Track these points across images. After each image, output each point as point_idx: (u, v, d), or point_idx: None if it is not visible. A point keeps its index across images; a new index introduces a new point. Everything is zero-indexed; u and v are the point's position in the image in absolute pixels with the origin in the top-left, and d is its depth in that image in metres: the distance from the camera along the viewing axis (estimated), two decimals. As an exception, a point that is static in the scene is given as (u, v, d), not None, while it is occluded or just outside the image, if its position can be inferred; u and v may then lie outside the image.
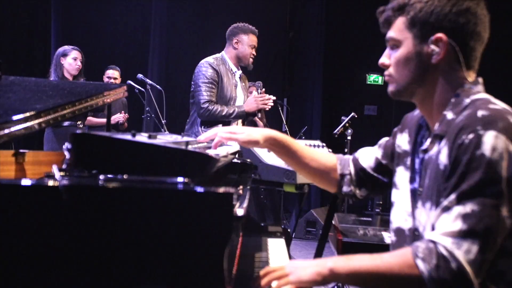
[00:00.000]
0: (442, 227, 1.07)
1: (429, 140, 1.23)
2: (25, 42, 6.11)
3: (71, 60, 4.09)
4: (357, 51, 6.91)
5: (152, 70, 6.40)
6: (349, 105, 6.27)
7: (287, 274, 1.14)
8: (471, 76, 1.21)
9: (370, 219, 3.85)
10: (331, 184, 1.50)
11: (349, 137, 4.25)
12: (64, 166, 1.07)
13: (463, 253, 1.03)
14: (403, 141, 1.37)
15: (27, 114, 1.17)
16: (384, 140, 1.49)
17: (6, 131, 1.09)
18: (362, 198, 1.50)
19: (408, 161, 1.32)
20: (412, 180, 1.30)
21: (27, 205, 0.92)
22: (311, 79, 7.20)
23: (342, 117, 4.30)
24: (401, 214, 1.31)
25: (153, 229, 0.93)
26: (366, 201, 5.94)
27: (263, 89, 3.52)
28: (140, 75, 4.77)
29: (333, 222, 2.90)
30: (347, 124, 4.18)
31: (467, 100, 1.16)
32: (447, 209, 1.07)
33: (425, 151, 1.24)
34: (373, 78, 7.08)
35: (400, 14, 1.21)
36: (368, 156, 1.48)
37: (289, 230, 3.66)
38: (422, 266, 1.05)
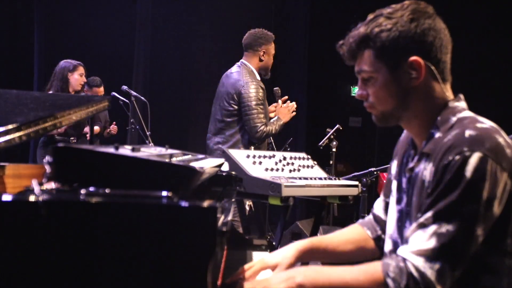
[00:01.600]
0: (416, 245, 1.08)
1: (416, 158, 1.24)
2: (7, 55, 6.03)
3: (77, 76, 4.10)
4: (341, 62, 6.93)
5: (137, 82, 6.37)
6: (334, 117, 6.30)
7: None
8: (448, 90, 1.22)
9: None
10: (374, 252, 1.46)
11: (334, 149, 4.27)
12: (44, 180, 1.05)
13: (435, 272, 1.05)
14: (393, 168, 1.39)
15: (8, 127, 1.14)
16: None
17: (-15, 144, 1.07)
18: None
19: (396, 183, 1.33)
20: (399, 201, 1.30)
21: (3, 221, 0.90)
22: (295, 90, 7.24)
23: (327, 129, 4.32)
24: (386, 239, 1.34)
25: (136, 244, 0.91)
26: (351, 214, 5.96)
27: (285, 97, 3.44)
28: (124, 87, 4.74)
29: (318, 234, 2.90)
30: (332, 136, 4.20)
31: (454, 118, 1.18)
32: (423, 226, 1.09)
33: (411, 169, 1.25)
34: (359, 93, 7.12)
35: (366, 46, 1.20)
36: (379, 204, 1.48)
37: (274, 242, 3.65)
38: (391, 285, 1.07)
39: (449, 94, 1.23)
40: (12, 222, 0.91)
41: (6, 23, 5.96)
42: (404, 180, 1.29)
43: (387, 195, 1.42)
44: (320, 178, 2.53)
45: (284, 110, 3.36)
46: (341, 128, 4.14)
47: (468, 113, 1.20)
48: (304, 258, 1.38)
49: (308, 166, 2.68)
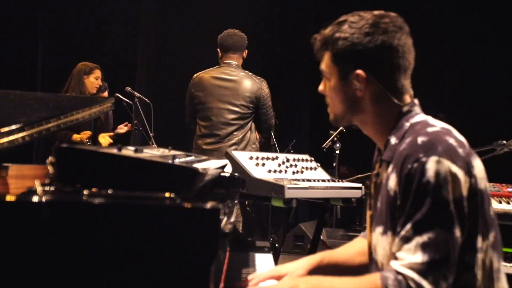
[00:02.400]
0: (405, 259, 1.11)
1: (377, 165, 1.29)
2: (11, 55, 6.05)
3: (93, 79, 4.11)
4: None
5: (140, 83, 6.38)
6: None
7: None
8: (404, 100, 1.24)
9: (358, 234, 3.85)
10: None
11: (337, 151, 4.27)
12: (47, 181, 1.04)
13: (430, 283, 1.08)
14: None
15: (11, 127, 1.14)
16: None
17: (-11, 144, 1.07)
18: None
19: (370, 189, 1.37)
20: (370, 206, 1.34)
21: (5, 222, 0.90)
22: (299, 93, 7.24)
23: (331, 131, 4.31)
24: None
25: (138, 245, 0.91)
26: (354, 216, 5.94)
27: None
28: (128, 88, 4.74)
29: (321, 237, 2.89)
30: (335, 138, 4.20)
31: (407, 124, 1.21)
32: (406, 239, 1.12)
33: (378, 175, 1.29)
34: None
35: (326, 48, 1.26)
36: None
37: (276, 245, 3.64)
38: None
39: (405, 102, 1.24)
40: (15, 223, 0.90)
41: (10, 23, 5.98)
42: (372, 186, 1.33)
43: None
44: (323, 180, 2.52)
45: None
46: (344, 130, 4.13)
47: (420, 117, 1.22)
48: (316, 272, 1.39)
49: (311, 168, 2.67)
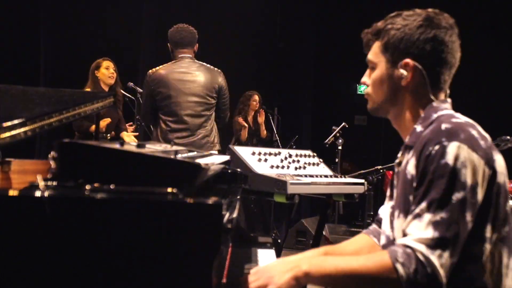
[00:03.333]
0: (416, 234, 1.13)
1: (400, 153, 1.33)
2: (14, 51, 6.05)
3: (104, 70, 4.14)
4: (347, 61, 6.94)
5: (143, 79, 6.38)
6: (340, 115, 6.28)
7: (265, 284, 1.16)
8: (438, 96, 1.29)
9: (361, 230, 3.85)
10: None
11: (339, 147, 4.27)
12: (49, 176, 1.04)
13: (437, 258, 1.10)
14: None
15: (14, 122, 1.14)
16: None
17: (-9, 139, 1.06)
18: None
19: (390, 182, 1.40)
20: (391, 197, 1.37)
21: (8, 217, 0.90)
22: (301, 88, 7.22)
23: (333, 127, 4.31)
24: (382, 236, 1.40)
25: (140, 240, 0.91)
26: (356, 212, 5.94)
27: None
28: (130, 84, 4.74)
29: (323, 232, 2.89)
30: (337, 134, 4.19)
31: (434, 115, 1.26)
32: (418, 216, 1.14)
33: (399, 163, 1.32)
34: (363, 88, 7.10)
35: (377, 38, 1.32)
36: (384, 208, 1.48)
37: (279, 240, 3.64)
38: (401, 270, 1.10)
39: (439, 98, 1.29)
40: (17, 218, 0.90)
41: (13, 19, 5.98)
42: (395, 176, 1.36)
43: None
44: (326, 176, 2.52)
45: None
46: (346, 126, 4.13)
47: (448, 111, 1.27)
48: None
49: (313, 164, 2.66)
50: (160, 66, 3.47)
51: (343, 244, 1.50)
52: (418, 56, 1.26)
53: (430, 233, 1.11)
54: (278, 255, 1.98)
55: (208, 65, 3.48)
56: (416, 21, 1.26)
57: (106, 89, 4.16)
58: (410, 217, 1.16)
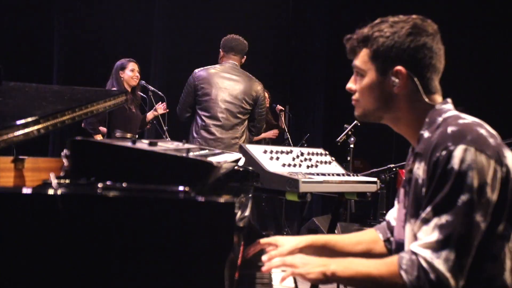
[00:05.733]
0: (423, 239, 1.16)
1: (411, 160, 1.33)
2: (27, 49, 6.11)
3: (129, 72, 4.24)
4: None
5: (154, 77, 6.40)
6: (352, 113, 6.23)
7: (297, 266, 1.25)
8: (433, 99, 1.30)
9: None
10: (382, 255, 1.50)
11: (351, 145, 4.23)
12: (62, 174, 1.05)
13: (443, 261, 1.12)
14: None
15: (27, 120, 1.15)
16: None
17: (5, 137, 1.07)
18: None
19: (403, 190, 1.40)
20: (404, 205, 1.37)
21: (22, 214, 0.90)
22: (313, 86, 7.19)
23: (345, 125, 4.28)
24: (393, 242, 1.45)
25: (153, 238, 0.91)
26: (368, 210, 5.90)
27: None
28: (142, 82, 4.76)
29: (335, 231, 2.87)
30: (349, 132, 4.16)
31: (440, 119, 1.26)
32: (425, 221, 1.17)
33: (410, 171, 1.33)
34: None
35: (365, 45, 1.31)
36: (392, 211, 1.54)
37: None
38: (405, 276, 1.15)
39: (437, 101, 1.30)
40: (30, 215, 0.91)
41: (26, 17, 6.03)
42: (406, 183, 1.36)
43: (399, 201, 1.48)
44: (338, 174, 2.50)
45: None
46: (358, 124, 4.09)
47: (453, 113, 1.27)
48: (310, 251, 1.44)
49: (325, 162, 2.65)
50: (208, 67, 3.69)
51: (346, 235, 1.56)
52: (409, 63, 1.26)
53: (436, 236, 1.13)
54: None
55: (250, 75, 3.68)
56: (405, 29, 1.26)
57: (129, 89, 4.25)
58: (418, 221, 1.19)
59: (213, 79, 3.59)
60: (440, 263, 1.12)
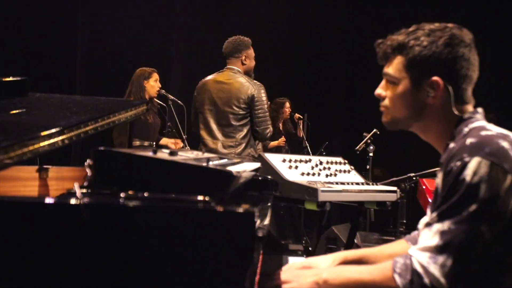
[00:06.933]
0: (422, 242, 1.17)
1: (438, 169, 1.33)
2: (51, 59, 6.24)
3: (153, 83, 4.26)
4: (378, 66, 6.85)
5: (174, 86, 6.46)
6: (371, 121, 6.20)
7: (290, 280, 1.26)
8: (466, 109, 1.28)
9: (393, 238, 3.77)
10: None
11: (371, 154, 4.21)
12: (85, 183, 1.07)
13: (439, 267, 1.12)
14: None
15: (52, 130, 1.18)
16: None
17: (31, 147, 1.10)
18: None
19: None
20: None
21: (47, 223, 0.93)
22: (332, 94, 7.17)
23: (364, 133, 4.25)
24: None
25: (173, 248, 0.92)
26: (388, 219, 5.84)
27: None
28: (162, 91, 4.81)
29: (355, 240, 2.85)
30: (368, 140, 4.14)
31: (466, 129, 1.24)
32: (428, 225, 1.18)
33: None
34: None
35: (399, 53, 1.28)
36: (423, 219, 1.50)
37: (310, 248, 3.61)
38: (398, 280, 1.16)
39: (467, 111, 1.29)
40: (54, 224, 0.93)
41: (50, 27, 6.17)
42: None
43: None
44: (357, 183, 2.49)
45: None
46: (378, 133, 4.07)
47: (480, 123, 1.25)
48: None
49: (345, 171, 2.64)
50: (210, 75, 3.61)
51: (377, 248, 1.54)
52: (446, 74, 1.24)
53: (436, 241, 1.13)
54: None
55: (245, 77, 3.49)
56: (443, 39, 1.24)
57: (147, 98, 4.28)
58: (423, 226, 1.21)
59: (207, 88, 3.52)
60: (436, 268, 1.12)
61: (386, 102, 1.32)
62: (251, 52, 3.56)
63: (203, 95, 3.53)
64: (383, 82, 1.33)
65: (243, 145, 3.45)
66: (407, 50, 1.26)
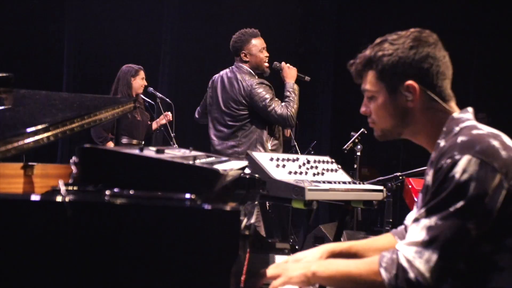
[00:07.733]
0: (410, 237, 1.19)
1: (428, 167, 1.34)
2: (37, 56, 6.17)
3: (140, 81, 4.29)
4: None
5: (162, 84, 6.44)
6: (359, 120, 6.23)
7: (279, 274, 1.28)
8: (451, 106, 1.30)
9: (379, 236, 3.78)
10: None
11: (358, 153, 4.23)
12: (70, 181, 1.06)
13: (424, 261, 1.14)
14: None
15: (37, 127, 1.17)
16: None
17: (15, 144, 1.09)
18: None
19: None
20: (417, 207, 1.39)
21: (31, 220, 0.92)
22: (320, 93, 7.19)
23: (352, 133, 4.27)
24: None
25: (159, 246, 0.92)
26: (375, 218, 5.88)
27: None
28: (150, 88, 4.79)
29: (342, 239, 2.87)
30: (356, 140, 4.16)
31: (457, 128, 1.26)
32: (416, 221, 1.20)
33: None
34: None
35: (369, 68, 1.32)
36: (410, 215, 1.53)
37: (297, 246, 3.63)
38: (384, 274, 1.18)
39: (453, 109, 1.31)
40: (38, 222, 0.92)
41: (36, 24, 6.10)
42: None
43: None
44: (345, 182, 2.50)
45: (288, 71, 3.50)
46: (365, 132, 4.09)
47: (471, 123, 1.26)
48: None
49: (332, 170, 2.65)
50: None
51: (364, 240, 1.56)
52: (418, 75, 1.27)
53: (422, 236, 1.15)
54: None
55: (239, 75, 3.37)
56: (406, 43, 1.27)
57: (134, 95, 4.28)
58: (411, 222, 1.23)
59: (214, 85, 3.48)
60: (421, 263, 1.13)
61: (372, 117, 1.36)
62: (251, 46, 3.39)
63: (212, 93, 3.50)
64: (365, 99, 1.37)
65: (248, 144, 3.34)
66: (376, 62, 1.29)
